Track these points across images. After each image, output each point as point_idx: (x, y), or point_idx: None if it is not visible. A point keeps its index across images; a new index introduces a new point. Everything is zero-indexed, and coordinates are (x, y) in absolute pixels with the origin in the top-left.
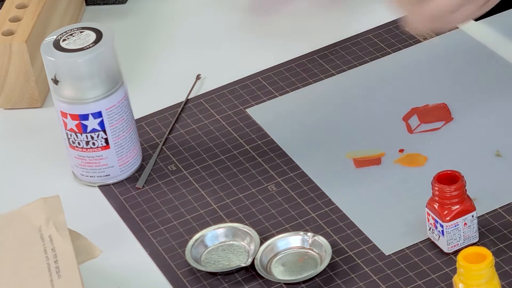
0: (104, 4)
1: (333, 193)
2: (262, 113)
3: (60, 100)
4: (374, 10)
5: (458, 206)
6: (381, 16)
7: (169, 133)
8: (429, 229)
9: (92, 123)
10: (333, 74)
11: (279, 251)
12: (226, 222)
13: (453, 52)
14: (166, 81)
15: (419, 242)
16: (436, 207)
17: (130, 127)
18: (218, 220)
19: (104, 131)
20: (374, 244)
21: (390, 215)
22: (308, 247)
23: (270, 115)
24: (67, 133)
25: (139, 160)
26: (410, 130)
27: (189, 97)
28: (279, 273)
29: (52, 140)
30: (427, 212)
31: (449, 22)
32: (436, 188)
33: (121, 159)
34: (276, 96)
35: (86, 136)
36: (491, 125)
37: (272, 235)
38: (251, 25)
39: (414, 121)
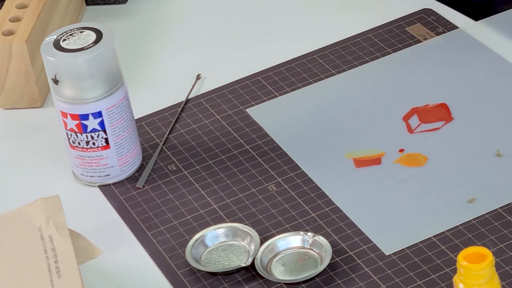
0: (104, 4)
1: (333, 193)
2: (262, 113)
3: (60, 100)
4: (374, 10)
5: None
6: (381, 16)
7: (169, 133)
8: None
9: (92, 123)
10: (333, 74)
11: (279, 251)
12: (226, 222)
13: (453, 52)
14: (166, 81)
15: (419, 242)
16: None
17: (130, 127)
18: (218, 220)
19: (104, 131)
20: (374, 244)
21: (390, 215)
22: (308, 247)
23: (270, 115)
24: (67, 133)
25: (139, 160)
26: (410, 130)
27: (189, 97)
28: (279, 273)
29: (52, 140)
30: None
31: None
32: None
33: (121, 159)
34: (276, 96)
35: (86, 136)
36: (491, 125)
37: (272, 235)
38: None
39: (414, 121)
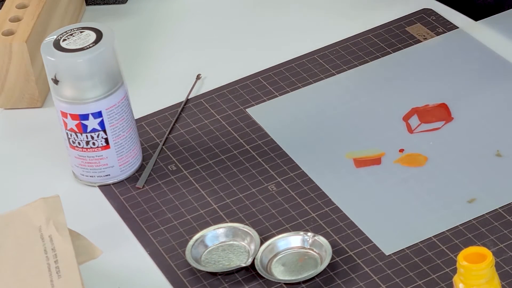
0: (104, 4)
1: (333, 193)
2: (262, 113)
3: (60, 100)
4: (374, 10)
5: None
6: (381, 16)
7: (169, 133)
8: None
9: (92, 123)
10: (333, 74)
11: (279, 251)
12: (226, 222)
13: (453, 52)
14: (166, 81)
15: (419, 242)
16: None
17: (130, 127)
18: (218, 220)
19: (104, 131)
20: (374, 244)
21: (390, 215)
22: (308, 247)
23: (270, 115)
24: (67, 133)
25: (139, 160)
26: (410, 130)
27: (189, 97)
28: (279, 273)
29: (52, 140)
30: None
31: None
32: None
33: (121, 159)
34: (276, 96)
35: (86, 136)
36: (491, 125)
37: (272, 235)
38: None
39: (414, 121)
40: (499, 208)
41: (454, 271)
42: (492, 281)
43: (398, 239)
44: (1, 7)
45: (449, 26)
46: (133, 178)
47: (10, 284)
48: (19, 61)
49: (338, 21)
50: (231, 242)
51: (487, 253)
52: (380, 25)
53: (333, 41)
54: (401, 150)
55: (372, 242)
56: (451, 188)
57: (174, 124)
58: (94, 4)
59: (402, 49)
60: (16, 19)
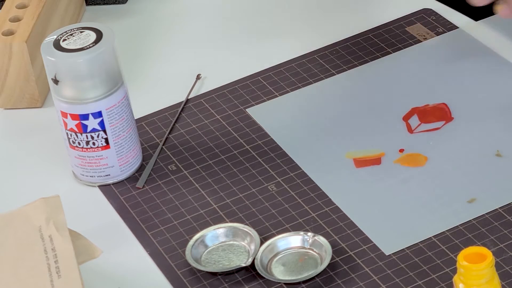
0: (104, 4)
1: (333, 193)
2: (262, 113)
3: (60, 100)
4: (374, 10)
5: None
6: (381, 16)
7: (169, 133)
8: None
9: (92, 123)
10: (333, 74)
11: (279, 251)
12: (226, 222)
13: (453, 52)
14: (166, 81)
15: (419, 242)
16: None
17: (130, 127)
18: (218, 220)
19: (104, 131)
20: (374, 244)
21: (390, 215)
22: (308, 247)
23: (270, 115)
24: (67, 133)
25: (139, 160)
26: (410, 130)
27: (189, 97)
28: (279, 273)
29: (52, 140)
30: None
31: None
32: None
33: (121, 159)
34: (276, 96)
35: (86, 136)
36: (491, 125)
37: (272, 235)
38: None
39: (414, 121)
40: (499, 208)
41: (454, 271)
42: (492, 281)
43: (398, 239)
44: (1, 7)
45: (449, 26)
46: (133, 178)
47: (10, 284)
48: (19, 61)
49: (338, 21)
50: (231, 242)
51: (487, 253)
52: (380, 25)
53: (333, 41)
54: (401, 150)
55: (372, 242)
56: (451, 188)
57: (174, 124)
58: (94, 4)
59: (402, 49)
60: (16, 19)
